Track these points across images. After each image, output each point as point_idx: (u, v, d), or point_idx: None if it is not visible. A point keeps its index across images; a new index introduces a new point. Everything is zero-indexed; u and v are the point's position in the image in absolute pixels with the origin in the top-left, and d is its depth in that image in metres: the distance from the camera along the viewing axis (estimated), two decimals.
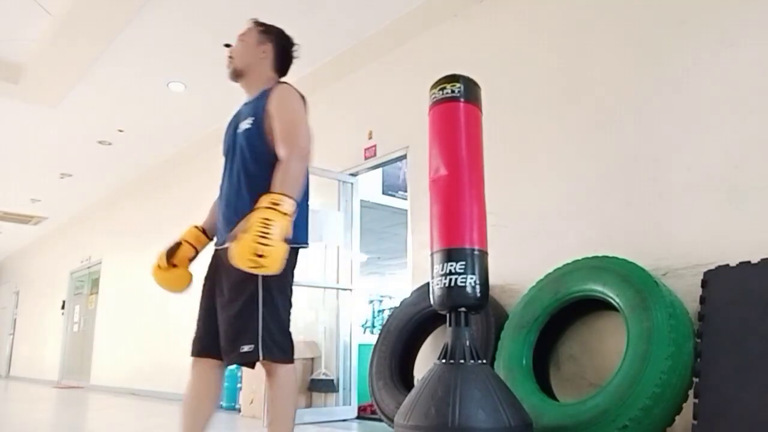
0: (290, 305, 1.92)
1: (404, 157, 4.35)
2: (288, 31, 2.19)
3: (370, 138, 4.61)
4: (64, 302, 11.12)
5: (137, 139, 6.81)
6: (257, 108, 1.96)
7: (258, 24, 2.15)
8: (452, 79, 2.48)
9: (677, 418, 2.25)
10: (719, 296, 2.30)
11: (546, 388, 2.79)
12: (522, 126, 3.51)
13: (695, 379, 2.22)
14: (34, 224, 11.30)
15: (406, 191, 4.66)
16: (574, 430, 2.29)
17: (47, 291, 12.08)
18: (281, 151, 1.84)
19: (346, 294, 4.72)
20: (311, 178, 1.96)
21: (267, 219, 1.61)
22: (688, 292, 2.50)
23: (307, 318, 4.97)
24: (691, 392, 2.24)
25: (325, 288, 4.82)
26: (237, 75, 2.09)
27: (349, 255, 4.74)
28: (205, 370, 1.92)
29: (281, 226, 1.61)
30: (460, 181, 2.37)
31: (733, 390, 2.10)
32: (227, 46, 2.12)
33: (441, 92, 2.48)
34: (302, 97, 1.99)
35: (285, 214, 1.65)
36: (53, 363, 11.01)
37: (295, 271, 1.97)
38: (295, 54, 2.17)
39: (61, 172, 8.15)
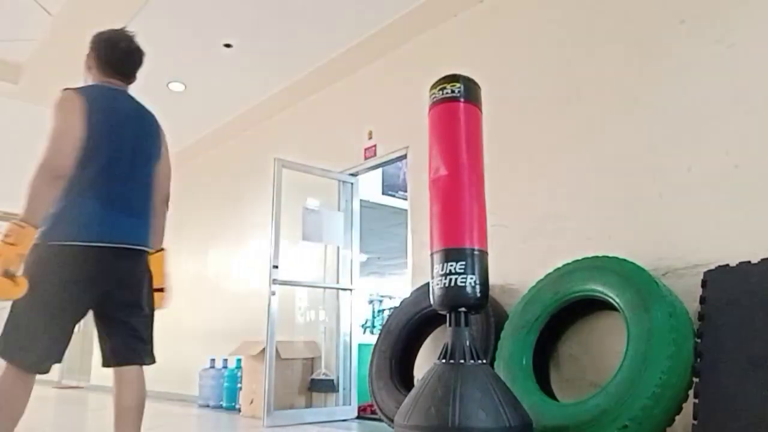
0: (43, 308, 1.85)
1: (404, 157, 4.35)
2: (116, 27, 2.18)
3: (370, 138, 4.61)
4: None
5: None
6: None
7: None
8: (452, 79, 2.48)
9: (677, 418, 2.25)
10: (719, 296, 2.30)
11: (546, 388, 2.79)
12: (522, 126, 3.51)
13: (695, 379, 2.22)
14: None
15: (406, 191, 4.66)
16: (575, 430, 2.29)
17: None
18: None
19: (346, 294, 4.72)
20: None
21: None
22: (688, 292, 2.50)
23: (307, 318, 4.97)
24: (691, 392, 2.24)
25: (325, 288, 4.83)
26: None
27: (349, 255, 4.74)
28: None
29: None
30: (460, 181, 2.37)
31: (733, 390, 2.10)
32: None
33: (441, 92, 2.48)
34: (76, 96, 1.94)
35: (12, 244, 1.73)
36: None
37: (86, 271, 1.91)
38: (123, 45, 2.12)
39: None
